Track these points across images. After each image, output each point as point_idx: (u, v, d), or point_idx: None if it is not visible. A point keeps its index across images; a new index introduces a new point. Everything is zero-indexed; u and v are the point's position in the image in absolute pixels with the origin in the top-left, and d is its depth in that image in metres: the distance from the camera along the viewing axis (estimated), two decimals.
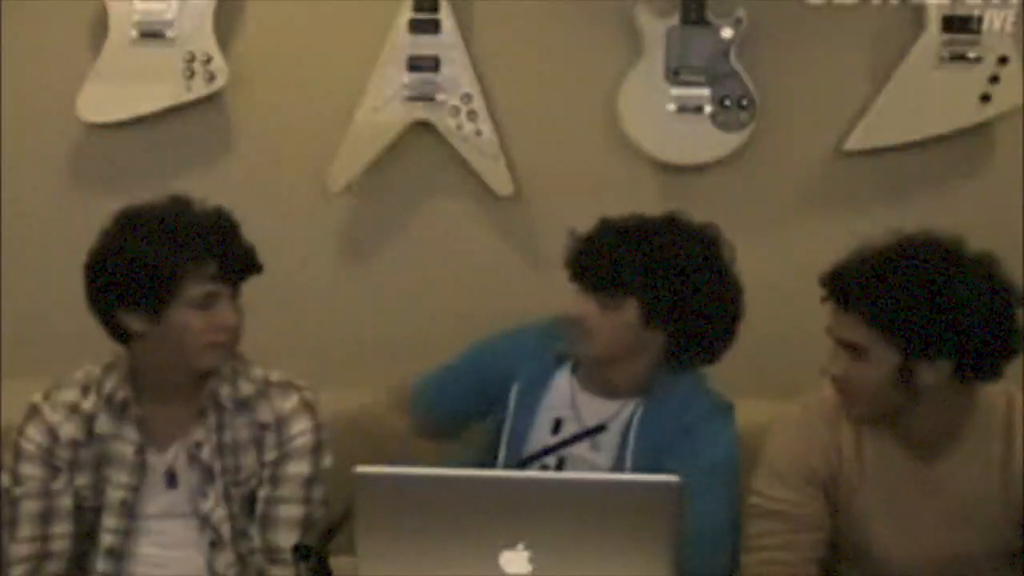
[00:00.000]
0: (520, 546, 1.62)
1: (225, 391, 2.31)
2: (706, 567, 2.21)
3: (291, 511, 2.30)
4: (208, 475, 2.29)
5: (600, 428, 2.46)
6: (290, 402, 2.33)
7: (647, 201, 3.22)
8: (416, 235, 3.26)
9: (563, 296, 3.24)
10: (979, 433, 2.15)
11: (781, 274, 3.18)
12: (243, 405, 2.32)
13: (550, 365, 2.52)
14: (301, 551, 2.05)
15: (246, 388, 2.33)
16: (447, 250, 3.25)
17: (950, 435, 2.15)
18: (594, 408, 2.48)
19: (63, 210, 3.18)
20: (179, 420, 2.31)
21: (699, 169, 3.18)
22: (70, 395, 2.33)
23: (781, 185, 3.21)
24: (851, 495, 2.18)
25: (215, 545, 2.29)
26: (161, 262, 2.18)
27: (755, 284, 3.22)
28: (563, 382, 2.51)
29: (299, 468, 2.31)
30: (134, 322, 2.23)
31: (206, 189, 3.22)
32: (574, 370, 2.52)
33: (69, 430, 2.30)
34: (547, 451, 2.47)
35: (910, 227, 2.18)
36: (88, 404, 2.31)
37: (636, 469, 2.38)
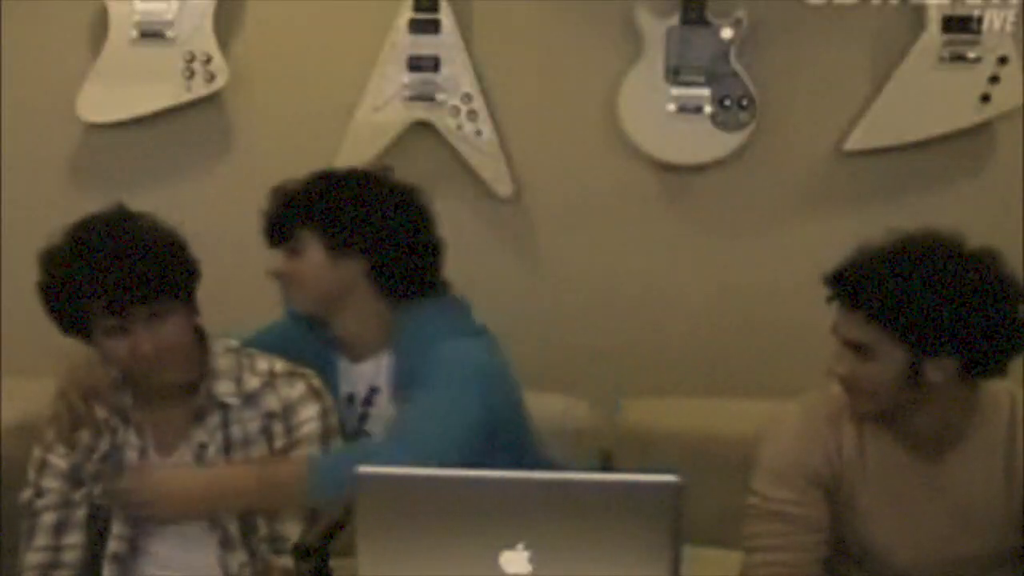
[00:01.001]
0: (520, 546, 1.62)
1: (225, 388, 2.31)
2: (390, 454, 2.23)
3: None
4: None
5: (374, 391, 2.51)
6: (296, 390, 2.34)
7: (647, 201, 3.23)
8: None
9: (563, 296, 3.26)
10: (983, 432, 2.15)
11: (781, 274, 3.19)
12: (250, 399, 2.33)
13: (323, 350, 2.53)
14: (301, 551, 2.05)
15: (252, 382, 2.34)
16: (447, 250, 3.24)
17: (954, 434, 2.15)
18: (361, 375, 2.51)
19: (63, 210, 3.16)
20: (181, 423, 2.31)
21: (699, 169, 3.18)
22: (102, 412, 2.33)
23: (781, 185, 3.21)
24: (853, 495, 2.18)
25: (225, 544, 2.29)
26: (60, 296, 2.21)
27: (755, 284, 3.24)
28: (339, 362, 2.54)
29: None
30: (77, 341, 2.25)
31: (206, 189, 3.26)
32: (333, 347, 2.53)
33: (103, 444, 2.31)
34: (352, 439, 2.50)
35: (911, 227, 2.18)
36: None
37: None
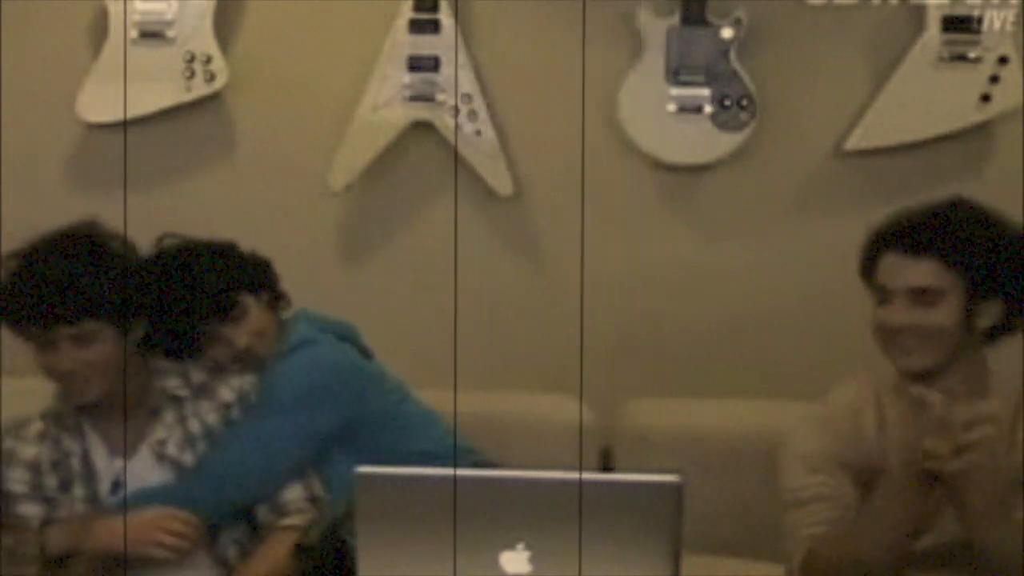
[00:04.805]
0: (520, 546, 1.62)
1: (173, 383, 2.34)
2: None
3: None
4: (179, 469, 2.30)
5: None
6: (248, 380, 2.40)
7: (647, 201, 3.23)
8: (416, 235, 3.26)
9: (563, 296, 3.26)
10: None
11: (781, 274, 3.19)
12: (202, 390, 2.36)
13: None
14: (301, 551, 2.06)
15: (198, 376, 2.37)
16: (447, 250, 3.25)
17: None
18: None
19: (63, 210, 3.17)
20: (136, 423, 2.31)
21: (699, 169, 3.18)
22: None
23: (781, 185, 3.21)
24: (877, 478, 2.21)
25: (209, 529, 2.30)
26: (3, 305, 2.23)
27: (755, 284, 3.24)
28: None
29: None
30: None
31: (206, 189, 3.26)
32: None
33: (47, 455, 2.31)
34: None
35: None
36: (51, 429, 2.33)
37: None
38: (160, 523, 2.18)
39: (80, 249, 2.23)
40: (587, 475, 1.74)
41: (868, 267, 2.21)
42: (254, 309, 2.48)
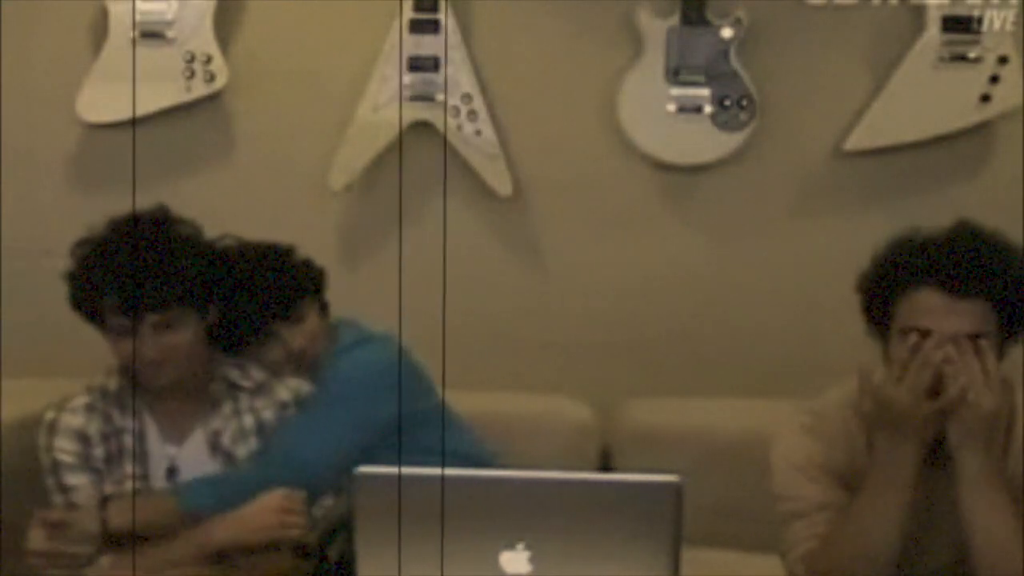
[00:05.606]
0: (520, 546, 1.62)
1: (236, 375, 2.36)
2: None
3: None
4: (231, 461, 2.31)
5: None
6: (305, 384, 2.41)
7: (647, 201, 3.23)
8: (416, 235, 3.26)
9: (563, 296, 3.26)
10: None
11: (781, 274, 3.19)
12: (261, 387, 2.37)
13: None
14: (301, 551, 2.06)
15: (258, 375, 2.38)
16: (447, 250, 3.25)
17: None
18: None
19: (63, 210, 3.19)
20: (193, 410, 2.32)
21: (699, 169, 3.18)
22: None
23: (781, 185, 3.21)
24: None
25: None
26: (81, 287, 2.22)
27: (755, 284, 3.24)
28: None
29: None
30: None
31: (206, 189, 3.26)
32: None
33: (96, 427, 2.30)
34: None
35: (910, 227, 2.17)
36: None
37: None
38: (283, 505, 2.18)
39: (159, 235, 2.22)
40: (587, 475, 1.75)
41: (884, 302, 2.07)
42: (311, 313, 2.54)
